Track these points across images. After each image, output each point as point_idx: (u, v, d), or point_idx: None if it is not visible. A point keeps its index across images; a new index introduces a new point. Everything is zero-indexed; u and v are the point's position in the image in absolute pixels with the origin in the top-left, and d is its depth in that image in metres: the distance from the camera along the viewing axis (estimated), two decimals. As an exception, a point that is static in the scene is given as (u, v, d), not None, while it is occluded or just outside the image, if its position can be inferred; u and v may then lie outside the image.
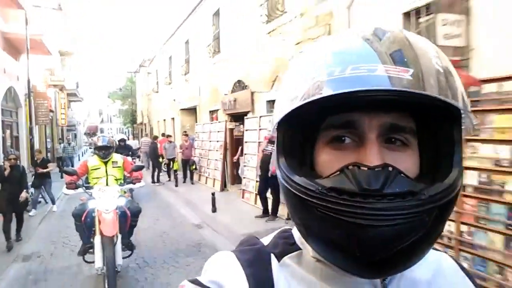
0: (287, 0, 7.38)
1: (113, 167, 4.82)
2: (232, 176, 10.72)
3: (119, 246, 4.17)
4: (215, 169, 11.16)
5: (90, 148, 36.52)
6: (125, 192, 4.91)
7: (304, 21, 6.69)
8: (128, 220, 4.54)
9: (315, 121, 0.52)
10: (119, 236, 4.20)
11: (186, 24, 14.80)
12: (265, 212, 7.17)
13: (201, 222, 7.49)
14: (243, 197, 9.03)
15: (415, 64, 0.44)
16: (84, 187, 4.44)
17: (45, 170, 8.28)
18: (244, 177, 9.06)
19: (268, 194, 7.05)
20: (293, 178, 0.49)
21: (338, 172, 0.47)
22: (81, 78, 30.23)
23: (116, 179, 4.77)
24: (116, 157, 4.95)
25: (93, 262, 4.28)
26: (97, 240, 4.08)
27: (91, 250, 4.43)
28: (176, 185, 11.81)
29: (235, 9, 9.93)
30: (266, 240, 0.62)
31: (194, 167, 12.43)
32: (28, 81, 10.40)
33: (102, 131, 55.74)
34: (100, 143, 4.78)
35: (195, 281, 0.53)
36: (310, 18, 6.46)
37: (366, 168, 0.45)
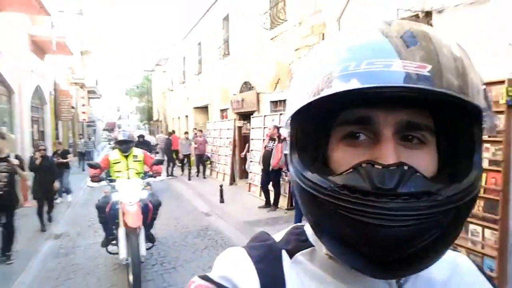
0: (288, 9, 8.08)
1: (134, 161, 4.92)
2: (240, 170, 11.48)
3: (142, 237, 4.24)
4: (225, 164, 11.95)
5: (109, 143, 37.89)
6: (148, 185, 5.04)
7: (301, 29, 7.37)
8: (150, 212, 4.61)
9: (329, 117, 0.51)
10: (142, 228, 4.29)
11: (199, 26, 15.60)
12: (267, 203, 7.90)
13: (209, 211, 8.29)
14: (249, 190, 9.78)
15: (433, 60, 0.43)
16: (107, 180, 4.58)
17: (64, 161, 8.87)
18: (250, 172, 9.81)
19: (270, 187, 7.78)
20: (306, 174, 0.48)
21: (352, 170, 0.46)
22: (100, 76, 31.48)
23: (137, 173, 4.87)
24: (137, 151, 5.04)
25: (115, 253, 4.47)
26: (121, 232, 4.17)
27: (113, 242, 4.60)
28: (189, 179, 12.63)
29: (242, 15, 10.66)
30: (278, 237, 0.61)
31: (208, 162, 13.26)
32: (54, 81, 11.33)
33: (119, 128, 57.35)
34: (121, 138, 4.93)
35: (204, 277, 0.53)
36: (307, 27, 7.14)
37: (380, 167, 0.44)
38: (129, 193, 4.29)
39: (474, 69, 0.47)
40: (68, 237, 6.36)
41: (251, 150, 9.73)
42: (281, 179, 7.58)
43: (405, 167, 0.44)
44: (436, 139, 0.51)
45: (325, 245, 0.51)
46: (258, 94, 9.75)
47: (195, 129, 14.04)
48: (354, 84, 0.42)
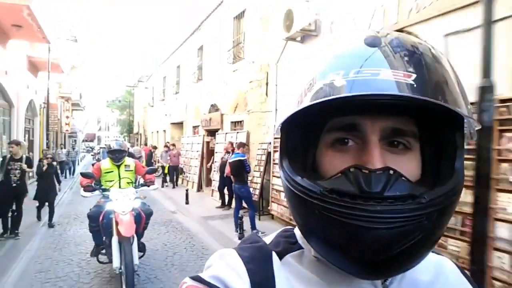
0: (245, 50, 10.15)
1: (126, 170, 4.92)
2: (206, 179, 13.30)
3: (135, 246, 4.29)
4: (194, 174, 13.75)
5: (88, 153, 38.83)
6: (144, 197, 5.14)
7: (254, 66, 9.42)
8: (143, 221, 4.65)
9: (318, 124, 0.53)
10: (135, 237, 4.32)
11: (178, 52, 17.61)
12: (223, 203, 9.76)
13: (175, 209, 10.07)
14: (212, 195, 11.60)
15: (418, 69, 0.45)
16: (101, 190, 4.61)
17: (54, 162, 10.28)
18: (213, 180, 11.65)
19: (226, 191, 9.63)
20: (295, 179, 0.50)
21: (340, 174, 0.48)
22: (83, 88, 32.87)
23: (128, 182, 4.89)
24: (129, 160, 5.06)
25: (106, 262, 4.64)
26: (114, 241, 4.19)
27: (102, 252, 4.72)
28: (162, 186, 14.34)
29: (213, 48, 12.71)
30: (268, 239, 0.62)
31: (181, 173, 15.03)
32: (47, 97, 13.01)
33: (99, 139, 58.17)
34: (113, 147, 4.95)
35: (196, 278, 0.53)
36: (257, 65, 9.19)
37: (367, 171, 0.46)
38: (122, 203, 4.33)
39: (457, 78, 0.49)
40: (59, 225, 8.02)
41: (215, 161, 11.59)
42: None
43: (391, 172, 0.46)
44: (420, 145, 0.53)
45: (313, 248, 0.52)
46: (222, 115, 11.73)
47: (168, 142, 15.90)
48: (342, 92, 0.44)
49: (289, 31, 6.82)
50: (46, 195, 7.79)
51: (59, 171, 9.87)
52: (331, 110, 0.49)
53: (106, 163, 4.94)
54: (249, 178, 8.01)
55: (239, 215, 6.96)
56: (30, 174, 7.30)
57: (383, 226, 0.43)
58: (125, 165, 4.95)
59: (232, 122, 11.03)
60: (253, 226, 6.97)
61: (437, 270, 0.60)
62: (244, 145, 7.59)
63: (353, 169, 0.47)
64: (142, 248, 4.81)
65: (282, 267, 0.55)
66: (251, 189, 8.32)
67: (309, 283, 0.54)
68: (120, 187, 4.74)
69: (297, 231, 0.62)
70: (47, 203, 7.86)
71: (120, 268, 4.13)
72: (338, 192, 0.46)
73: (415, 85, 0.43)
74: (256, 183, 8.62)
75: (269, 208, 8.27)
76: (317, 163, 0.54)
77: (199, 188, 13.24)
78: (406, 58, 0.46)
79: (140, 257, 4.66)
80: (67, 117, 23.17)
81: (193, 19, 15.33)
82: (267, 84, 8.64)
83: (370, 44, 0.48)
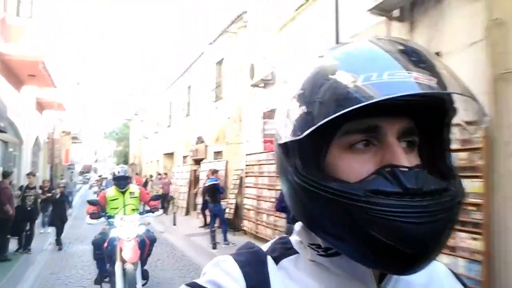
0: (224, 91, 11.94)
1: (131, 197, 4.96)
2: (193, 204, 14.76)
3: (139, 272, 4.36)
4: (183, 199, 15.20)
5: (84, 184, 40.01)
6: (148, 223, 5.25)
7: (231, 105, 11.15)
8: (147, 247, 4.70)
9: (333, 127, 0.51)
10: (139, 263, 4.41)
11: (170, 89, 19.51)
12: (205, 223, 11.20)
13: (164, 230, 11.48)
14: (197, 217, 13.03)
15: (436, 72, 0.47)
16: (106, 217, 4.65)
17: (49, 194, 10.56)
18: (198, 204, 13.11)
19: (207, 212, 11.09)
20: (328, 184, 0.49)
21: (375, 175, 0.48)
22: (82, 122, 34.63)
23: (133, 209, 4.92)
24: (133, 187, 5.13)
25: None
26: (117, 267, 4.23)
27: (106, 280, 4.76)
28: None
29: (199, 87, 14.54)
30: (264, 247, 0.63)
31: (171, 200, 16.44)
32: (53, 134, 14.64)
33: (95, 171, 59.44)
34: (118, 174, 5.08)
35: (191, 284, 0.54)
36: (234, 104, 10.92)
37: (406, 169, 0.47)
38: (127, 229, 4.39)
39: (462, 80, 0.51)
40: (63, 243, 9.44)
41: (199, 187, 13.10)
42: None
43: (421, 169, 0.50)
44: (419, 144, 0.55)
45: (346, 251, 0.51)
46: (206, 146, 13.37)
47: (158, 173, 17.50)
48: (384, 92, 0.44)
49: (253, 79, 8.57)
50: (60, 218, 9.06)
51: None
52: (353, 113, 0.46)
53: (111, 191, 5.02)
54: (223, 198, 9.54)
55: (213, 229, 8.45)
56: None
57: (431, 219, 0.45)
58: (130, 192, 4.99)
59: (214, 152, 12.66)
60: (225, 238, 8.45)
61: (431, 274, 0.60)
62: (216, 172, 9.22)
63: (388, 168, 0.48)
64: (145, 275, 4.77)
65: (278, 271, 0.56)
66: (226, 209, 9.85)
67: (305, 286, 0.54)
68: (125, 213, 4.76)
69: (292, 238, 0.61)
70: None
71: None
72: (384, 192, 0.46)
73: (438, 86, 0.46)
74: (232, 203, 10.13)
75: (241, 224, 9.75)
76: (332, 166, 0.51)
77: (187, 212, 14.65)
78: (424, 63, 0.48)
79: (143, 285, 4.66)
80: (67, 150, 24.74)
81: (183, 62, 17.30)
82: (240, 120, 10.33)
83: (394, 49, 0.50)
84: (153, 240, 4.91)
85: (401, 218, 0.45)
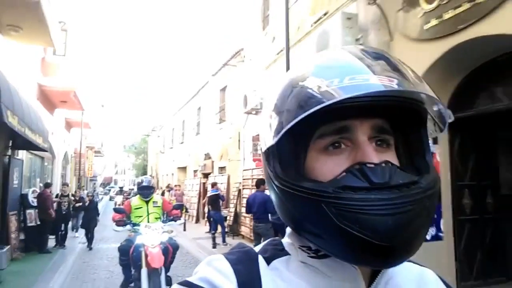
0: (227, 114, 13.78)
1: (154, 206, 5.20)
2: (202, 212, 16.52)
3: (163, 278, 4.58)
4: (193, 209, 16.99)
5: (106, 195, 42.32)
6: (171, 231, 5.45)
7: (232, 127, 12.96)
8: (170, 254, 4.89)
9: (308, 132, 0.54)
10: (163, 269, 4.62)
11: (183, 110, 21.57)
12: (210, 229, 12.91)
13: (174, 235, 13.22)
14: (205, 225, 14.76)
15: (397, 72, 0.51)
16: (131, 224, 4.88)
17: (78, 205, 12.31)
18: (206, 212, 14.85)
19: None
20: (301, 184, 0.52)
21: (345, 173, 0.51)
22: (104, 137, 37.20)
23: (156, 218, 5.15)
24: (156, 197, 5.43)
25: None
26: (143, 273, 4.43)
27: (131, 285, 5.01)
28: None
29: (207, 109, 16.47)
30: (256, 248, 0.64)
31: (185, 210, 18.24)
32: (80, 151, 16.76)
33: (116, 182, 62.27)
34: (143, 183, 5.35)
35: (184, 283, 0.55)
36: (234, 127, 12.73)
37: (372, 165, 0.50)
38: (151, 236, 4.63)
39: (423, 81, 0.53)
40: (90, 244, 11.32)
41: (207, 197, 14.86)
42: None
43: (389, 164, 0.51)
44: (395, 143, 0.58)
45: (326, 249, 0.53)
46: (212, 162, 15.20)
47: (168, 186, 19.38)
48: (342, 96, 0.47)
49: (246, 108, 10.36)
50: (89, 224, 10.64)
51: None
52: (323, 117, 0.51)
53: (135, 200, 5.32)
54: (223, 206, 11.28)
55: (214, 232, 10.17)
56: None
57: (398, 211, 0.46)
58: (153, 201, 5.26)
59: (219, 167, 14.46)
60: (223, 240, 10.16)
61: (419, 279, 0.62)
62: (215, 184, 11.01)
63: (357, 166, 0.50)
64: (168, 281, 4.88)
65: (269, 271, 0.57)
66: (227, 216, 11.57)
67: (295, 287, 0.55)
68: (148, 222, 4.99)
69: (284, 240, 0.63)
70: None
71: None
72: (351, 187, 0.48)
73: (400, 86, 0.48)
74: (231, 212, 11.84)
75: (239, 230, 11.44)
76: (310, 168, 0.54)
77: (197, 220, 16.41)
78: (386, 65, 0.52)
79: None
80: (90, 163, 27.04)
81: (193, 87, 19.36)
82: (239, 141, 12.11)
83: (357, 55, 0.53)
84: (175, 248, 5.10)
85: (369, 210, 0.47)
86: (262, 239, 6.96)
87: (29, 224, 9.10)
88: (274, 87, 0.59)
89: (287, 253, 0.60)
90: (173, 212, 5.41)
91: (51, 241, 9.89)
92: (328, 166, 0.53)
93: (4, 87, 5.28)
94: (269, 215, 6.64)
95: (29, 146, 8.43)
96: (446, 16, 4.16)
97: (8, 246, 7.69)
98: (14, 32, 7.01)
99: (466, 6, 3.92)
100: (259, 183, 7.07)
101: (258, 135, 9.77)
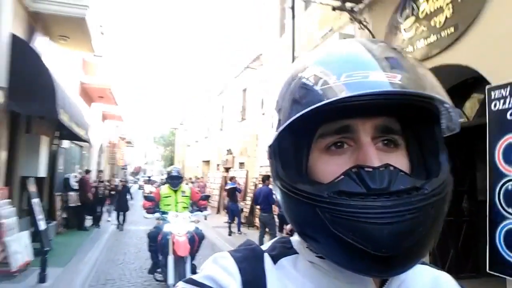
0: (247, 114, 14.79)
1: (182, 196, 5.31)
2: (223, 204, 17.68)
3: (189, 266, 4.66)
4: (215, 200, 18.19)
5: (135, 183, 44.49)
6: (198, 221, 5.56)
7: (251, 126, 13.96)
8: (196, 244, 4.96)
9: (309, 130, 0.53)
10: (189, 257, 4.70)
11: (209, 106, 22.83)
12: (228, 219, 14.04)
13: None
14: (225, 215, 15.89)
15: (402, 69, 0.48)
16: (160, 212, 5.05)
17: (112, 192, 14.20)
18: (225, 203, 15.99)
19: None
20: (298, 186, 0.50)
21: (343, 176, 0.48)
22: (135, 128, 39.27)
23: (184, 207, 5.26)
24: (185, 187, 5.52)
25: (161, 281, 5.10)
26: (170, 260, 4.58)
27: (158, 270, 5.23)
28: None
29: (230, 109, 17.54)
30: (264, 246, 0.63)
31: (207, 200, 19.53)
32: (112, 140, 18.27)
33: (144, 172, 64.89)
34: (172, 173, 5.48)
35: (188, 280, 0.54)
36: (253, 126, 13.71)
37: (370, 169, 0.47)
38: (179, 225, 4.75)
39: (432, 74, 0.51)
40: (121, 224, 12.68)
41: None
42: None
43: (391, 168, 0.47)
44: (406, 143, 0.54)
45: (323, 254, 0.51)
46: (233, 157, 16.28)
47: (192, 178, 20.61)
48: (336, 95, 0.45)
49: (263, 109, 11.33)
50: (122, 207, 12.03)
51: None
52: (323, 115, 0.49)
53: (164, 189, 5.50)
54: (240, 199, 12.35)
55: (230, 221, 11.25)
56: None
57: (396, 220, 0.44)
58: (182, 191, 5.39)
59: (239, 162, 15.53)
60: (238, 229, 11.24)
61: (434, 283, 0.60)
62: (233, 178, 12.04)
63: (355, 169, 0.48)
64: (194, 269, 4.91)
65: (276, 269, 0.56)
66: (244, 209, 12.62)
67: (302, 287, 0.54)
68: (176, 211, 5.11)
69: (293, 239, 0.62)
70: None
71: (174, 285, 5.93)
72: (347, 193, 0.46)
73: (402, 83, 0.45)
74: (248, 204, 12.88)
75: (254, 221, 12.46)
76: (312, 168, 0.53)
77: (218, 211, 17.59)
78: (389, 61, 0.48)
79: None
80: (122, 153, 28.88)
81: (218, 85, 20.49)
82: (256, 139, 13.10)
83: (359, 49, 0.51)
84: (201, 237, 5.19)
85: (364, 218, 0.44)
86: (267, 227, 7.97)
87: (71, 205, 10.49)
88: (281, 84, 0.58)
89: (295, 252, 0.58)
90: (200, 203, 5.61)
91: (88, 221, 11.30)
92: (329, 167, 0.51)
93: (58, 89, 6.48)
94: (272, 206, 7.61)
95: (73, 137, 9.73)
96: (419, 45, 4.96)
97: (55, 222, 9.06)
98: (63, 41, 8.27)
99: (433, 38, 4.72)
100: (265, 178, 8.06)
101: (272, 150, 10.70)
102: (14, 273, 5.47)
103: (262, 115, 12.05)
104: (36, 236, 6.78)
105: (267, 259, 0.57)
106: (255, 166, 13.27)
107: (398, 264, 0.46)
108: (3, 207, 5.67)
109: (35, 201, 7.35)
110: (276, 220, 7.75)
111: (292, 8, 6.91)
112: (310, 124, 0.52)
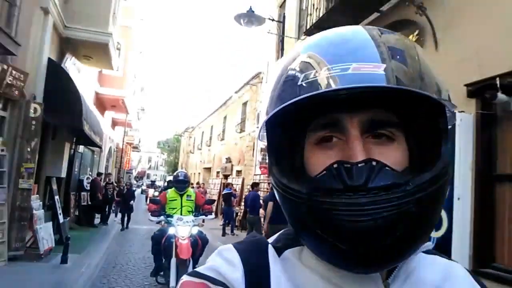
0: (246, 126, 16.04)
1: (187, 200, 5.35)
2: (220, 208, 18.84)
3: (190, 269, 4.49)
4: (214, 205, 19.36)
5: (138, 187, 45.70)
6: (202, 225, 5.60)
7: (249, 138, 15.19)
8: (199, 247, 5.02)
9: (302, 124, 0.53)
10: (191, 261, 4.78)
11: (211, 117, 24.13)
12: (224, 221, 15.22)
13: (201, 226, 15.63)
14: (221, 219, 17.06)
15: (387, 59, 0.46)
16: (165, 215, 5.15)
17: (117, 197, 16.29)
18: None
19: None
20: (283, 181, 0.51)
21: (325, 172, 0.48)
22: (141, 133, 40.66)
23: (189, 211, 5.33)
24: (190, 191, 5.57)
25: (164, 283, 5.19)
26: (173, 262, 4.70)
27: (161, 273, 5.30)
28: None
29: (232, 119, 18.82)
30: (271, 239, 0.62)
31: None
32: (123, 147, 19.59)
33: (148, 176, 66.27)
34: (179, 177, 5.53)
35: (191, 273, 0.55)
36: (250, 138, 14.93)
37: (349, 165, 0.46)
38: (182, 228, 4.81)
39: (428, 64, 0.49)
40: (126, 227, 13.86)
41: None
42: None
43: (374, 163, 0.46)
44: (406, 135, 0.52)
45: (307, 246, 0.53)
46: (232, 165, 17.51)
47: (193, 184, 21.80)
48: (313, 90, 0.45)
49: (258, 123, 12.55)
50: (127, 208, 13.12)
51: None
52: (309, 110, 0.49)
53: (171, 192, 5.54)
54: (236, 204, 13.53)
55: (224, 224, 12.44)
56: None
57: (368, 218, 0.43)
58: (187, 195, 5.46)
59: (236, 170, 16.76)
60: (232, 230, 12.40)
61: (445, 273, 0.58)
62: (229, 184, 13.27)
63: (336, 164, 0.47)
64: None
65: (281, 260, 0.56)
66: (238, 212, 13.79)
67: (307, 279, 0.53)
68: (181, 214, 5.17)
69: None
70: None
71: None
72: (324, 189, 0.46)
73: (384, 75, 0.44)
74: (242, 209, 14.04)
75: (247, 224, 13.62)
76: (305, 163, 0.53)
77: (216, 215, 18.73)
78: (375, 50, 0.46)
79: None
80: (128, 158, 30.18)
81: (222, 96, 21.84)
82: (253, 150, 14.32)
83: (341, 40, 0.50)
84: (205, 241, 5.23)
85: (339, 215, 0.44)
86: (254, 227, 9.15)
87: (82, 204, 11.71)
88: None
89: (300, 244, 0.57)
90: (205, 207, 5.65)
91: (96, 220, 12.50)
92: (319, 160, 0.51)
93: (85, 104, 7.74)
94: (260, 209, 8.81)
95: (88, 142, 10.99)
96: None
97: (69, 218, 10.27)
98: (87, 60, 9.59)
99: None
100: (253, 185, 9.28)
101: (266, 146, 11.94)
102: (41, 256, 6.65)
103: (257, 128, 13.27)
104: (56, 228, 8.01)
105: (271, 250, 0.57)
106: (251, 174, 14.47)
107: (376, 261, 0.46)
108: (34, 201, 6.89)
109: (57, 198, 8.63)
110: (262, 221, 8.94)
111: (282, 41, 8.09)
112: (302, 117, 0.53)
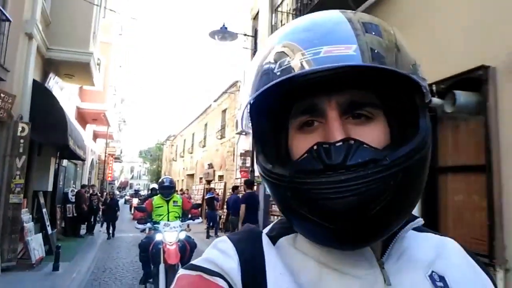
0: (226, 132, 16.64)
1: (174, 205, 5.42)
2: (204, 213, 19.33)
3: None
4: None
5: (121, 198, 45.46)
6: (189, 230, 5.70)
7: (229, 143, 15.78)
8: (187, 252, 5.06)
9: (284, 110, 0.54)
10: (180, 266, 4.74)
11: (193, 125, 24.61)
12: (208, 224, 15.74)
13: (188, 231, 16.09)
14: (205, 223, 17.56)
15: (361, 35, 0.47)
16: (152, 222, 5.19)
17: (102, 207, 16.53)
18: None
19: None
20: (267, 167, 0.52)
21: (306, 154, 0.49)
22: (122, 144, 40.66)
23: (176, 216, 5.36)
24: (177, 196, 5.62)
25: None
26: (161, 268, 4.76)
27: (150, 280, 5.32)
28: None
29: (213, 126, 19.38)
30: (265, 229, 0.63)
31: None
32: (105, 159, 19.86)
33: (131, 186, 65.82)
34: (165, 183, 5.58)
35: (187, 266, 0.55)
36: (230, 143, 15.53)
37: (327, 145, 0.47)
38: (170, 234, 4.87)
39: (402, 43, 0.51)
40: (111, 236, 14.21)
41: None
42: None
43: (351, 142, 0.47)
44: (387, 113, 0.53)
45: (296, 229, 0.55)
46: (214, 171, 18.06)
47: (186, 189, 22.23)
48: (285, 75, 0.46)
49: (237, 129, 13.18)
50: (111, 218, 13.47)
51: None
52: (288, 96, 0.51)
53: (157, 199, 5.55)
54: (219, 207, 14.10)
55: (208, 226, 12.98)
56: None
57: (348, 194, 0.44)
58: (174, 201, 5.49)
59: (219, 175, 17.33)
60: (215, 233, 12.94)
61: (438, 249, 0.60)
62: (211, 189, 13.86)
63: (315, 146, 0.48)
64: None
65: (275, 248, 0.57)
66: (221, 215, 14.36)
67: (302, 264, 0.54)
68: (168, 220, 5.18)
69: None
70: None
71: None
72: (306, 171, 0.47)
73: (356, 55, 0.45)
74: (225, 212, 14.61)
75: (230, 227, 14.19)
76: (289, 148, 0.55)
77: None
78: (349, 31, 0.47)
79: None
80: (111, 168, 30.26)
81: (203, 104, 22.41)
82: (233, 155, 14.92)
83: (311, 25, 0.50)
84: (193, 246, 5.25)
85: (319, 194, 0.46)
86: (235, 228, 9.76)
87: (68, 215, 12.03)
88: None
89: (294, 231, 0.58)
90: (192, 211, 5.68)
91: (82, 230, 12.82)
92: (300, 144, 0.52)
93: (69, 121, 8.18)
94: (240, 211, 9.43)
95: (72, 156, 11.36)
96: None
97: (55, 230, 10.61)
98: (69, 78, 10.02)
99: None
100: (234, 188, 9.90)
101: (245, 151, 12.57)
102: (33, 265, 7.07)
103: (237, 135, 13.90)
104: (45, 238, 8.41)
105: (265, 239, 0.58)
106: (232, 179, 15.07)
107: (360, 237, 0.47)
108: (24, 214, 7.30)
109: (44, 210, 9.02)
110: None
111: (255, 53, 8.73)
112: (283, 102, 0.54)
